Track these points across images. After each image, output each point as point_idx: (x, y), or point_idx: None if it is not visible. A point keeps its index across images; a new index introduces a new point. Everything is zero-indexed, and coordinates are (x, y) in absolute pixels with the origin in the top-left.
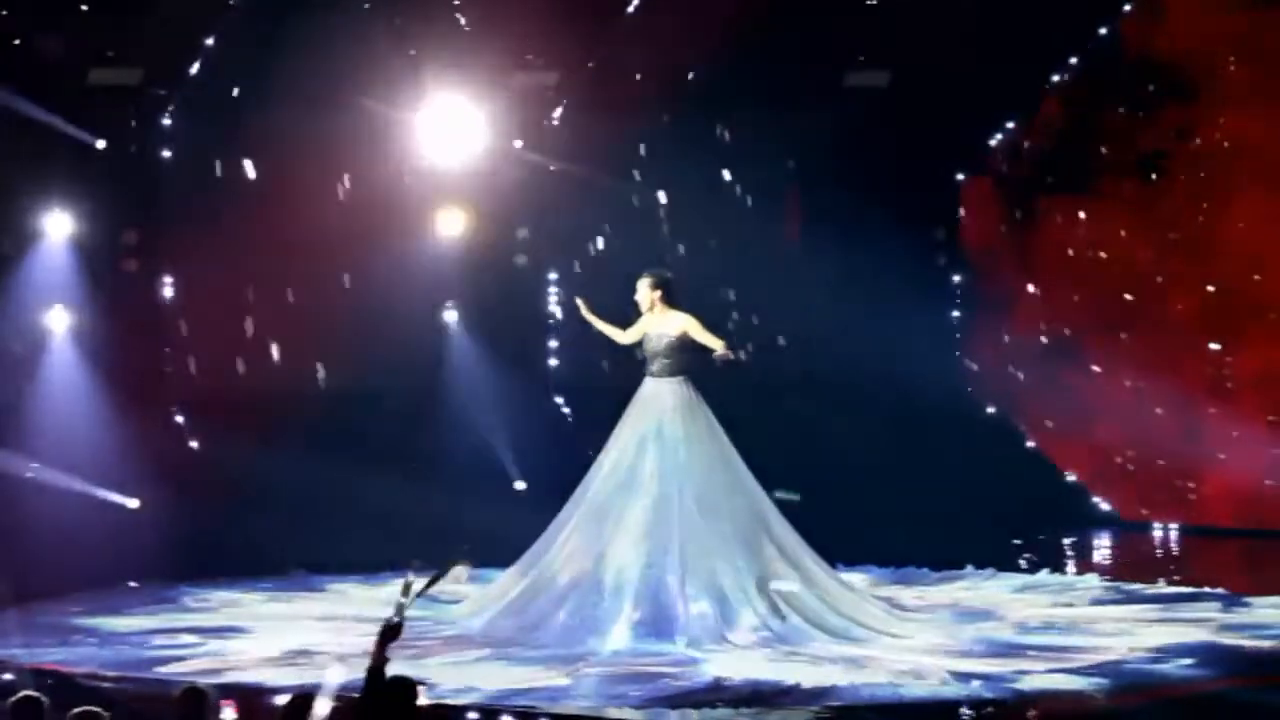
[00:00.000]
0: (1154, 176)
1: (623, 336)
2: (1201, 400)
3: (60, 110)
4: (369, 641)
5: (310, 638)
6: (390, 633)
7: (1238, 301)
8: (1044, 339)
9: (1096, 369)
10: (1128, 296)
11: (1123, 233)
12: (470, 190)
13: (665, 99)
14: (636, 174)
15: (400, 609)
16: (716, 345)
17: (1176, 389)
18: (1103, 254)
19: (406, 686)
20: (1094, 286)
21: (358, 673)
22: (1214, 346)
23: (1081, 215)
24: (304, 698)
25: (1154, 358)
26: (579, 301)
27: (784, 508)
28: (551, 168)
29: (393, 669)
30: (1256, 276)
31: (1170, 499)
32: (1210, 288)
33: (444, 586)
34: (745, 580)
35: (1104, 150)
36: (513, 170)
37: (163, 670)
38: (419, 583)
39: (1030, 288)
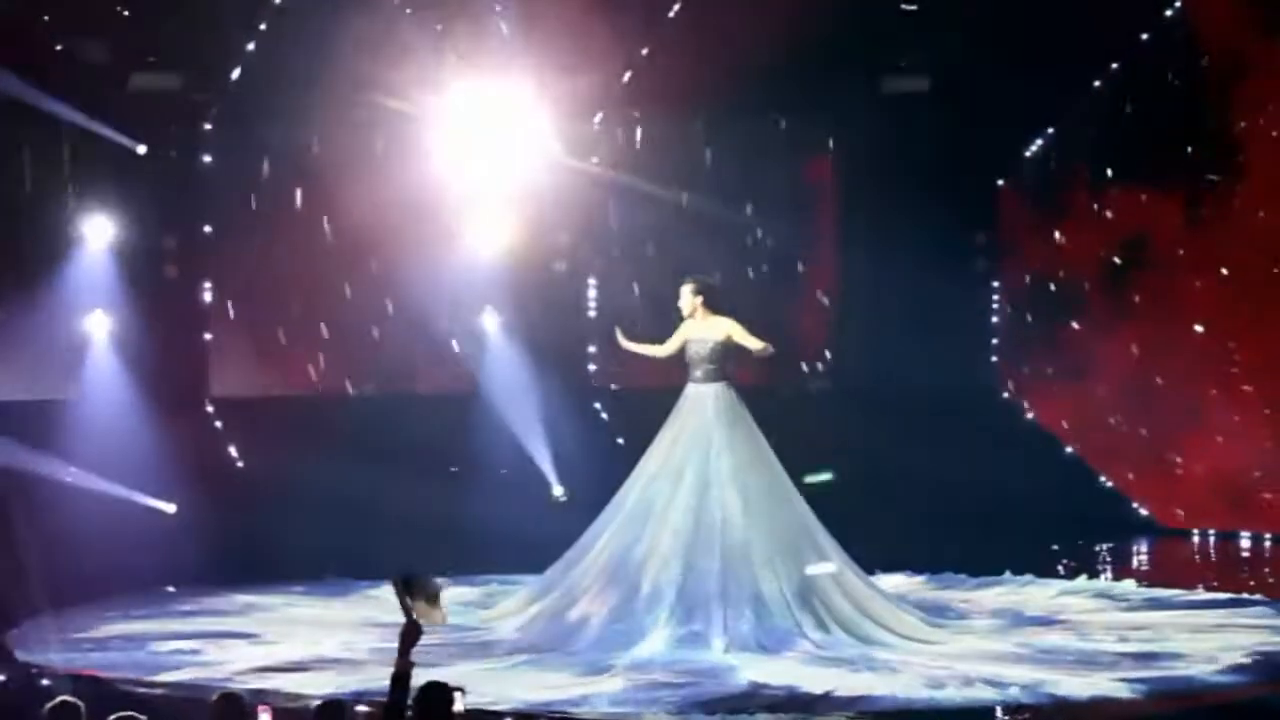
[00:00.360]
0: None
1: (663, 350)
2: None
3: (101, 115)
4: (392, 646)
5: (341, 642)
6: (410, 636)
7: None
8: (1083, 341)
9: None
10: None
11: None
12: (510, 196)
13: (704, 104)
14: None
15: (408, 611)
16: (756, 346)
17: (1232, 394)
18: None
19: (444, 691)
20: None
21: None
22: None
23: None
24: (335, 704)
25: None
26: (617, 333)
27: (813, 494)
28: (593, 170)
29: (428, 675)
30: None
31: (1210, 504)
32: None
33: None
34: (786, 588)
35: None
36: (553, 175)
37: (197, 675)
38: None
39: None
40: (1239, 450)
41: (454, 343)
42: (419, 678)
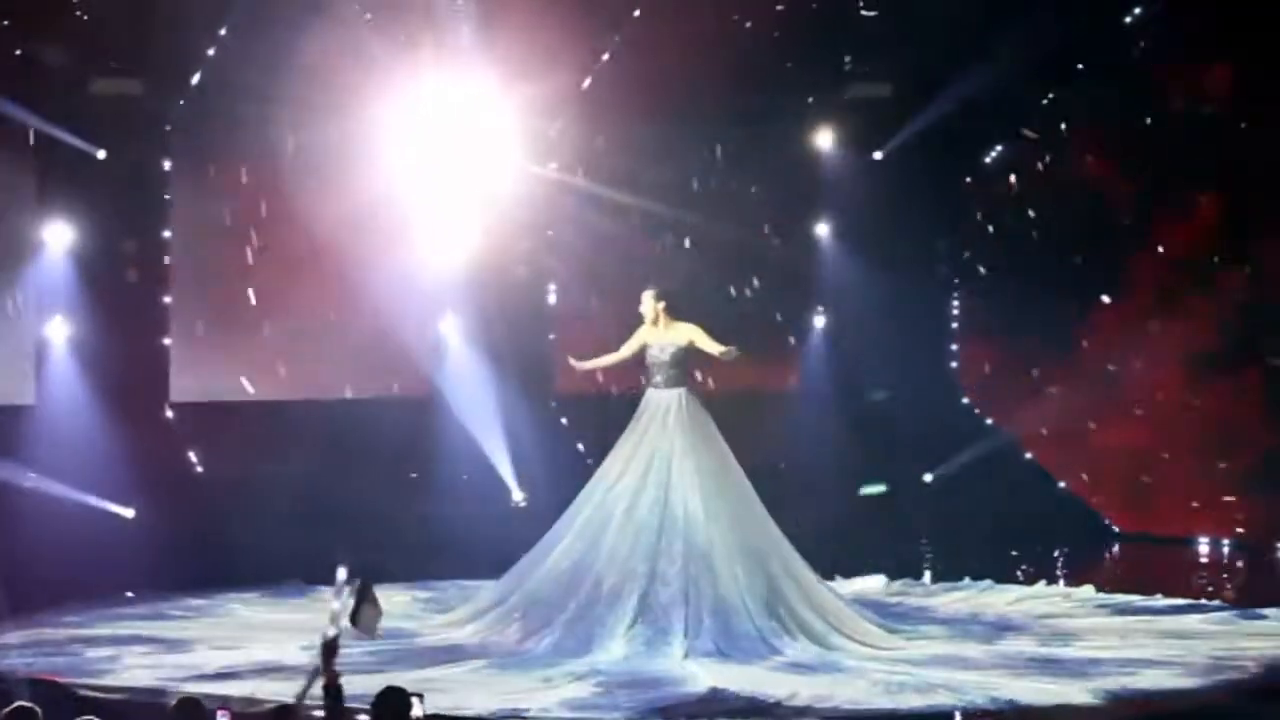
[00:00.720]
0: None
1: (620, 356)
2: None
3: (61, 120)
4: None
5: (300, 647)
6: (329, 648)
7: None
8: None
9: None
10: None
11: None
12: (471, 202)
13: (664, 111)
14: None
15: (335, 621)
16: (718, 350)
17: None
18: None
19: (402, 696)
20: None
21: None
22: None
23: None
24: (287, 708)
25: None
26: (571, 360)
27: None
28: (553, 175)
29: (387, 679)
30: None
31: (1171, 511)
32: None
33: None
34: (747, 594)
35: None
36: (514, 181)
37: (156, 679)
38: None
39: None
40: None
41: (416, 348)
42: (380, 682)
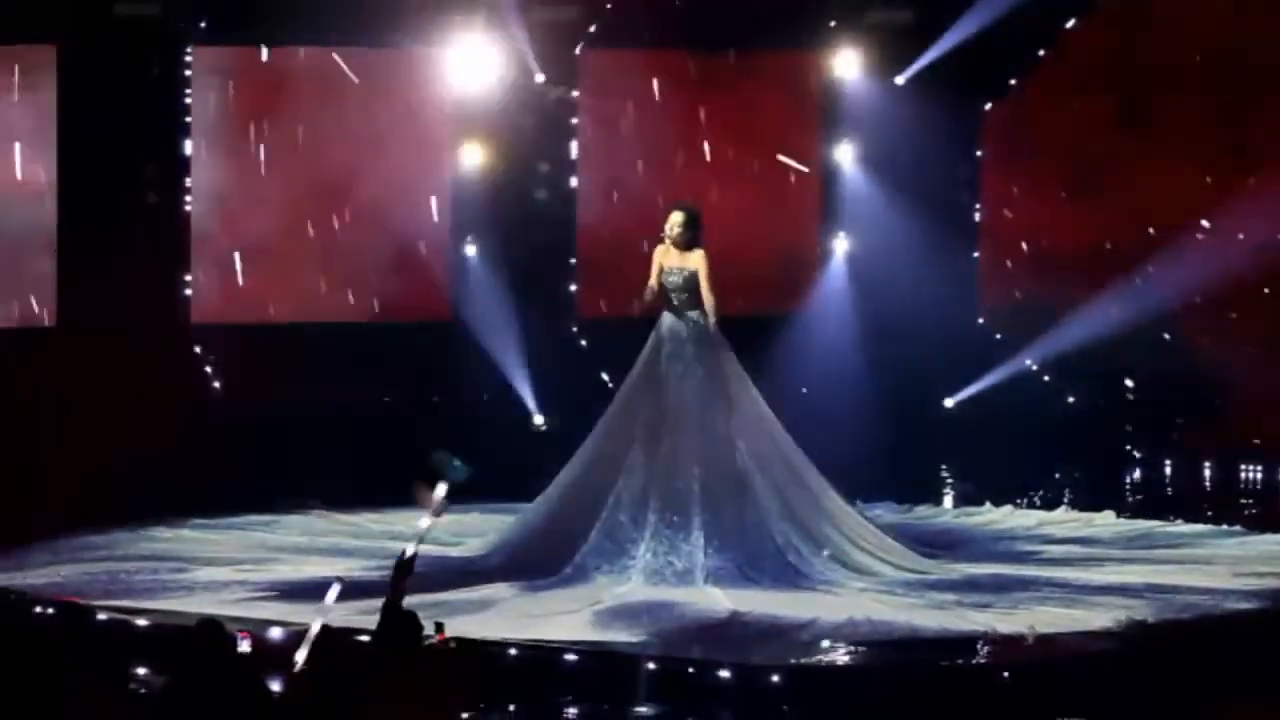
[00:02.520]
0: None
1: (655, 287)
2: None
3: (83, 42)
4: (378, 573)
5: (320, 570)
6: (404, 567)
7: None
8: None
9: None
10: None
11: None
12: (491, 125)
13: (685, 33)
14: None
15: (419, 540)
16: (707, 304)
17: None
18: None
19: (411, 619)
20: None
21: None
22: None
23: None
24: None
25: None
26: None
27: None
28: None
29: (411, 601)
30: None
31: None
32: None
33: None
34: (768, 516)
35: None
36: (534, 104)
37: (177, 602)
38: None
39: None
40: None
41: (435, 271)
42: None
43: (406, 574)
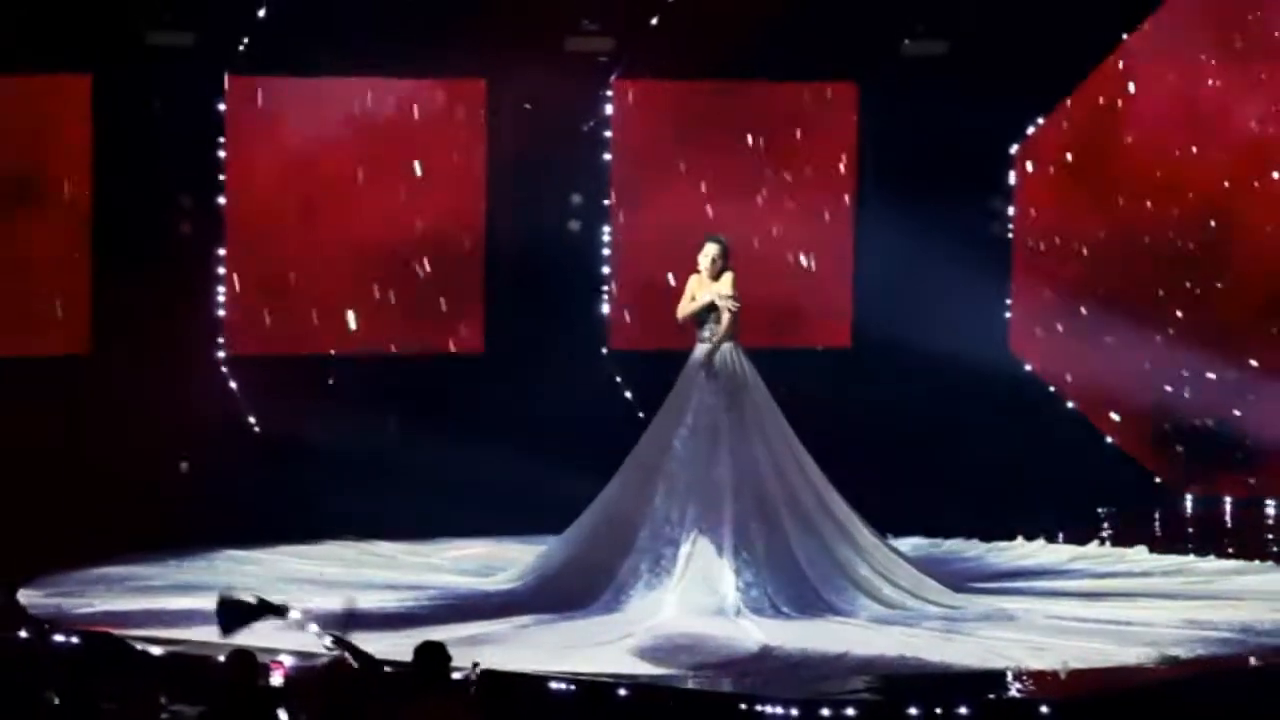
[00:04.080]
0: None
1: (693, 306)
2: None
3: (116, 72)
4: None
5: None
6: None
7: None
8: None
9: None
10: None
11: None
12: (525, 155)
13: (718, 65)
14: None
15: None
16: (720, 326)
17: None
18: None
19: (440, 651)
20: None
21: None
22: None
23: None
24: (343, 660)
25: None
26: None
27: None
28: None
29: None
30: None
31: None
32: None
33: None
34: (800, 549)
35: None
36: (567, 135)
37: (209, 632)
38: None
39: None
40: None
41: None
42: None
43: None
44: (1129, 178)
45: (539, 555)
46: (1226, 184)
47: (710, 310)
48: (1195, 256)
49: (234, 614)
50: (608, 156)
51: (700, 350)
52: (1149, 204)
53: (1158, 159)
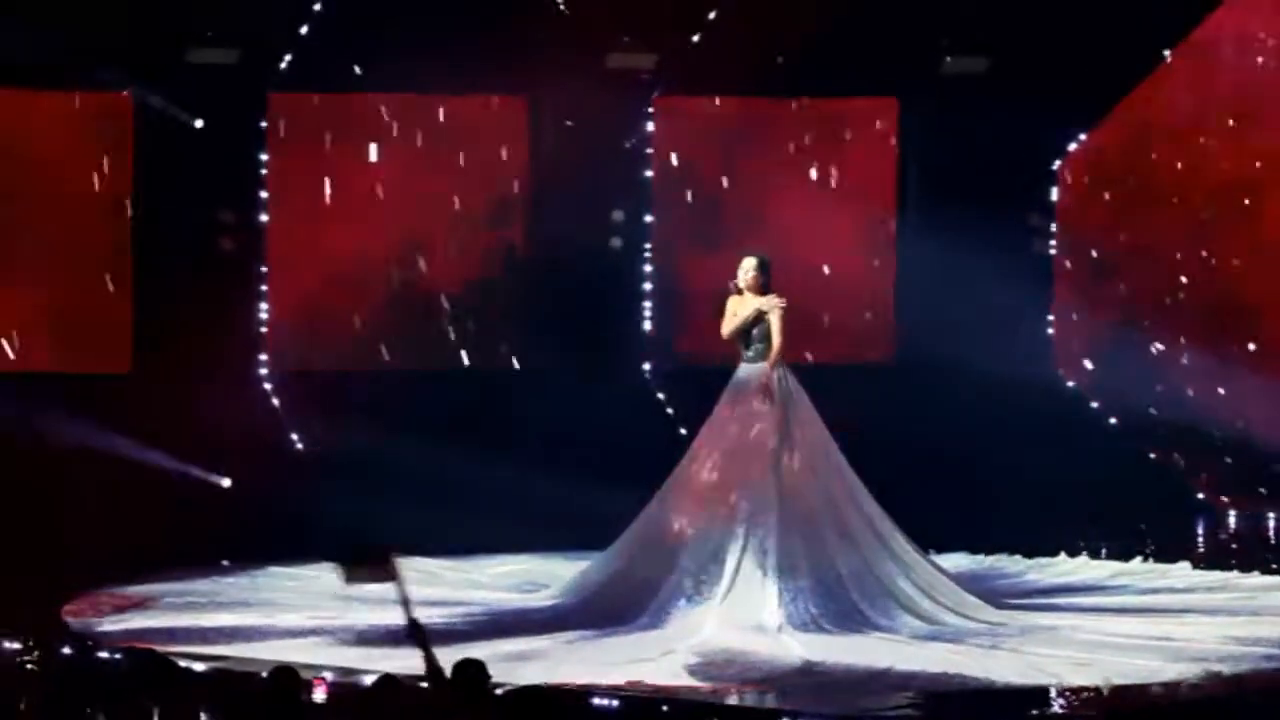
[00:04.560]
0: None
1: (734, 324)
2: None
3: (159, 89)
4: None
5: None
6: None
7: None
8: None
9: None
10: None
11: None
12: (564, 172)
13: (759, 82)
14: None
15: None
16: (775, 344)
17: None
18: None
19: (478, 667)
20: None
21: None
22: None
23: None
24: (390, 679)
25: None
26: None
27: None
28: (647, 151)
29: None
30: None
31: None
32: None
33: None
34: (844, 566)
35: None
36: (607, 154)
37: (252, 649)
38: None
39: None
40: None
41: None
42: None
43: (425, 641)
44: (1170, 193)
45: (581, 572)
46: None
47: (756, 324)
48: (1239, 271)
49: (360, 562)
50: (649, 173)
51: (745, 369)
52: (1189, 219)
53: (1199, 175)
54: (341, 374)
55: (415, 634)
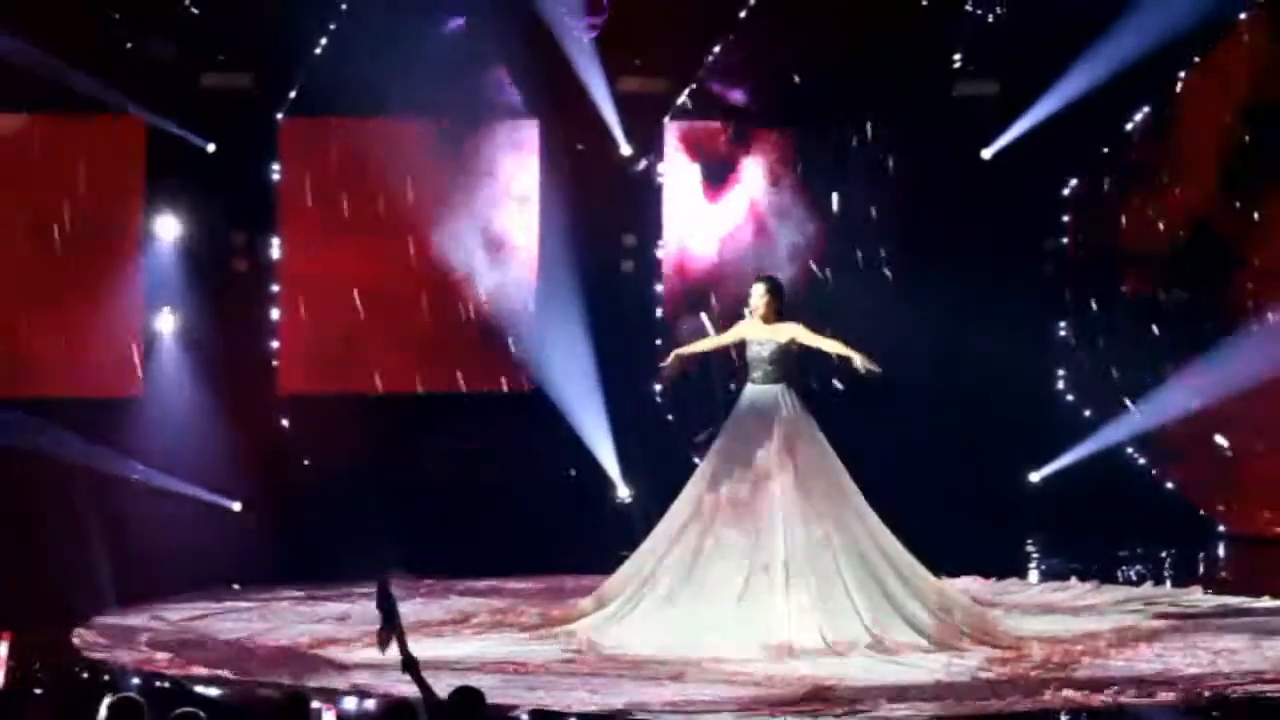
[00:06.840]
0: None
1: (716, 341)
2: None
3: (171, 114)
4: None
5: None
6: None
7: None
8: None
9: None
10: None
11: None
12: (575, 197)
13: (772, 108)
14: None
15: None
16: (831, 349)
17: None
18: None
19: (476, 695)
20: None
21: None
22: None
23: None
24: (401, 702)
25: None
26: (668, 363)
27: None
28: (660, 176)
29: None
30: None
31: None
32: None
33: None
34: (851, 586)
35: None
36: (619, 177)
37: (261, 672)
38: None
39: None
40: None
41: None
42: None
43: (417, 672)
44: (1179, 214)
45: (591, 598)
46: None
47: (776, 358)
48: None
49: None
50: (661, 197)
51: (753, 390)
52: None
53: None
54: (356, 397)
55: (410, 667)
